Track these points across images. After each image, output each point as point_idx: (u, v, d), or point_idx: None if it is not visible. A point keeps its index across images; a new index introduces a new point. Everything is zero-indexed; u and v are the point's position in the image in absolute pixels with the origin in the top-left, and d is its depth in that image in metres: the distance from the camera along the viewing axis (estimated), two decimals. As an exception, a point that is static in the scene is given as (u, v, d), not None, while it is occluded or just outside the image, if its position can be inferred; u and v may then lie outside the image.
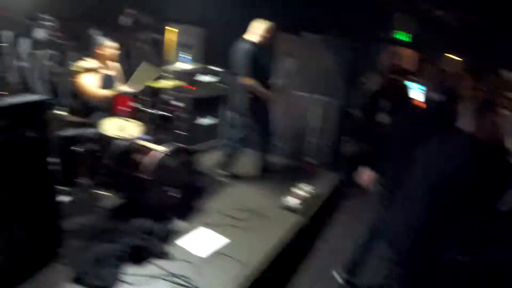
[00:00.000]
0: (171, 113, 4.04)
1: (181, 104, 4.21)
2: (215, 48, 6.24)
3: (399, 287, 2.66)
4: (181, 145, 3.85)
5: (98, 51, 3.98)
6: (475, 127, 2.70)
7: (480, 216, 2.33)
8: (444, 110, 4.13)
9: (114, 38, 4.71)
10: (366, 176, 3.34)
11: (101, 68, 3.89)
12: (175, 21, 5.90)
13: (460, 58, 9.06)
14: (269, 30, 4.44)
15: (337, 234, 4.32)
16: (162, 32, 5.74)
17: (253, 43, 4.38)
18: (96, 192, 3.68)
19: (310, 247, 4.00)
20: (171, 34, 5.89)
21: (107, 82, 4.05)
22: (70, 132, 3.63)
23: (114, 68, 4.21)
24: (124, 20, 5.02)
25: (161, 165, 3.52)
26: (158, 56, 5.70)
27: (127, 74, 4.98)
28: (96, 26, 4.65)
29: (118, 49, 4.16)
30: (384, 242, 2.73)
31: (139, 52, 5.39)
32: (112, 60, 4.08)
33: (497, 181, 2.29)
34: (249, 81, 4.30)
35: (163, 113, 3.95)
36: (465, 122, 2.78)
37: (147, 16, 5.34)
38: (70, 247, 2.96)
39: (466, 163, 2.37)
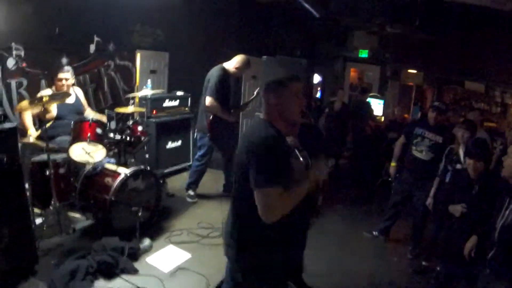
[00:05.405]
0: (137, 138, 4.20)
1: (146, 129, 4.36)
2: (179, 73, 6.51)
3: None
4: (144, 167, 4.00)
5: (57, 81, 4.11)
6: None
7: None
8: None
9: (81, 65, 4.87)
10: None
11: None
12: (141, 48, 6.09)
13: (420, 71, 9.45)
14: (241, 63, 4.67)
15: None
16: (129, 58, 5.94)
17: (224, 69, 4.62)
18: (68, 214, 3.84)
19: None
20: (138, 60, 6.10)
21: (66, 109, 4.15)
22: (40, 157, 3.80)
23: (74, 95, 4.28)
24: (92, 47, 5.24)
25: (124, 186, 3.70)
26: (125, 82, 5.95)
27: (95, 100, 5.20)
28: (63, 54, 4.86)
29: (74, 76, 4.27)
30: None
31: (107, 78, 5.62)
32: (69, 87, 4.15)
33: None
34: (212, 103, 4.48)
35: (128, 137, 4.10)
36: None
37: (113, 44, 5.58)
38: (45, 263, 3.20)
39: None
